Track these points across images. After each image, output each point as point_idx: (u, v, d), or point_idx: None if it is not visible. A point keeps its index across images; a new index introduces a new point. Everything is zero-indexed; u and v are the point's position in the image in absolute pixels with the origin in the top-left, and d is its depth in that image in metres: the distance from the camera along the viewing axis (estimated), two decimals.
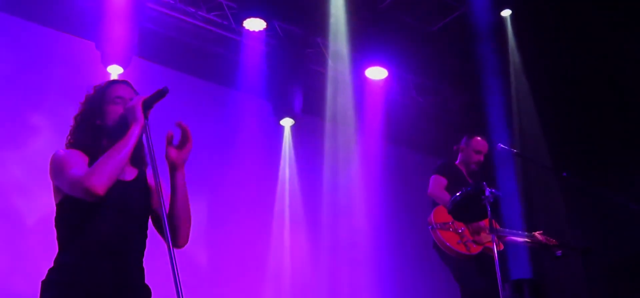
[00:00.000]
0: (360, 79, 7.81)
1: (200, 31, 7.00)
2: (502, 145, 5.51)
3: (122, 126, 2.74)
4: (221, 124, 7.33)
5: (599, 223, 7.12)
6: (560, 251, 5.35)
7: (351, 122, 7.95)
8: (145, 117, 2.74)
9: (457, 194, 4.95)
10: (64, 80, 6.29)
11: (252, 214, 7.42)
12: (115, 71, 6.17)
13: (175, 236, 2.81)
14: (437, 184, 5.65)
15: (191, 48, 7.03)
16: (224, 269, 6.94)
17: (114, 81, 3.02)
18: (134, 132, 2.70)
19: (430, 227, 5.49)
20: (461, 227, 5.44)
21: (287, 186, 7.85)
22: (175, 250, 2.50)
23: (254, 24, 6.97)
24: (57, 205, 2.82)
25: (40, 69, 6.29)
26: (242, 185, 7.31)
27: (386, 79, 7.86)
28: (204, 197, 7.01)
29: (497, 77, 7.68)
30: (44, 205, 5.85)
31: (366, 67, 7.72)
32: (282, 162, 7.88)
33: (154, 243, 2.91)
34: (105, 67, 6.17)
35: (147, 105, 2.76)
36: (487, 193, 4.72)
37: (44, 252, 5.58)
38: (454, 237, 5.43)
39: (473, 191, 4.82)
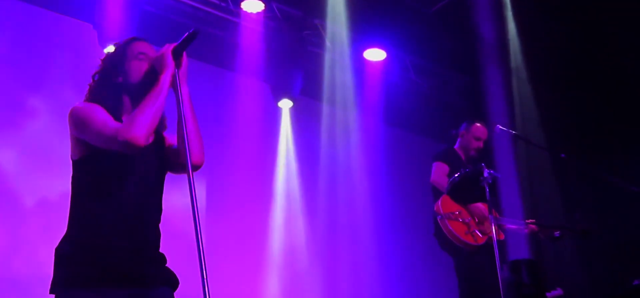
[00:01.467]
0: (359, 61, 7.79)
1: (198, 13, 6.95)
2: (500, 127, 5.49)
3: (148, 80, 2.68)
4: (219, 105, 7.31)
5: (598, 206, 7.12)
6: (558, 232, 5.36)
7: (349, 103, 7.93)
8: (177, 66, 2.69)
9: (456, 175, 4.96)
10: (62, 62, 6.28)
11: (250, 196, 7.42)
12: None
13: (191, 154, 2.64)
14: (439, 171, 5.62)
15: (189, 29, 6.98)
16: (223, 251, 6.94)
17: (136, 38, 2.92)
18: (166, 79, 2.65)
19: (438, 217, 5.45)
20: (467, 217, 5.42)
21: (285, 168, 7.86)
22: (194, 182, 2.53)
23: (252, 6, 6.93)
24: (77, 162, 2.71)
25: (38, 50, 6.26)
26: (240, 167, 7.30)
27: (384, 60, 7.84)
28: (202, 178, 7.00)
29: (496, 58, 7.66)
30: (42, 187, 5.88)
31: (365, 49, 7.69)
32: (280, 143, 7.88)
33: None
34: (103, 48, 6.14)
35: (177, 52, 2.71)
36: (485, 174, 4.73)
37: (43, 235, 5.60)
38: (462, 227, 5.40)
39: (472, 173, 4.83)
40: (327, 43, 7.69)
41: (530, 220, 5.54)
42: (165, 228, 2.93)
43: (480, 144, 5.79)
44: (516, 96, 7.83)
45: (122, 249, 2.61)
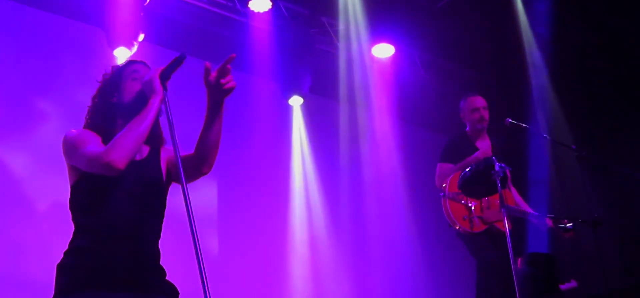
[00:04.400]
0: (367, 57, 7.77)
1: (206, 13, 6.96)
2: (510, 120, 5.47)
3: (139, 102, 2.71)
4: (229, 105, 7.31)
5: (615, 196, 7.06)
6: (571, 223, 5.34)
7: (359, 100, 7.93)
8: (164, 88, 2.71)
9: (467, 170, 4.94)
10: (71, 67, 6.30)
11: (266, 194, 7.43)
12: (122, 54, 6.15)
13: (203, 164, 2.87)
14: (441, 174, 5.65)
15: (197, 30, 7.00)
16: (237, 254, 6.94)
17: (132, 60, 2.97)
18: (154, 104, 2.67)
19: (441, 194, 5.47)
20: (473, 202, 5.42)
21: (301, 163, 7.87)
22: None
23: (260, 5, 6.93)
24: (72, 186, 2.79)
25: (48, 55, 6.29)
26: (254, 166, 7.34)
27: (393, 56, 7.82)
28: (214, 180, 7.00)
29: (507, 50, 7.62)
30: (54, 190, 5.89)
31: (373, 45, 7.67)
32: (294, 140, 7.90)
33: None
34: (112, 51, 6.17)
35: (165, 75, 2.73)
36: (496, 168, 4.71)
37: (57, 238, 5.62)
38: (462, 211, 5.41)
39: (482, 166, 4.81)
40: (335, 40, 7.69)
41: (548, 217, 5.54)
42: (174, 233, 2.94)
43: (479, 114, 5.74)
44: (535, 88, 7.75)
45: (120, 256, 2.64)
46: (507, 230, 4.60)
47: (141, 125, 2.63)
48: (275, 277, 7.29)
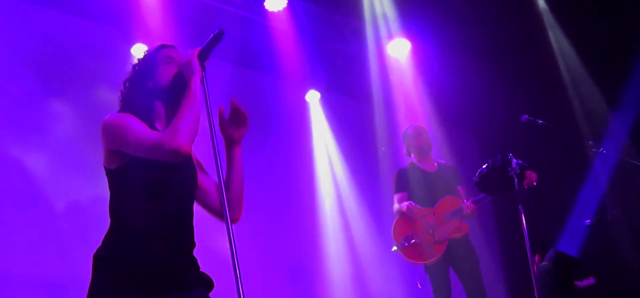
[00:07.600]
0: (382, 55, 7.76)
1: (220, 13, 6.96)
2: (527, 117, 5.44)
3: (178, 84, 2.69)
4: (246, 105, 7.31)
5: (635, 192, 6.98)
6: (588, 220, 5.32)
7: (372, 97, 7.92)
8: (203, 69, 2.69)
9: (484, 166, 4.91)
10: (87, 67, 6.32)
11: (285, 192, 7.45)
12: (138, 52, 6.16)
13: (232, 211, 2.78)
14: (400, 202, 5.85)
15: (211, 30, 6.98)
16: (253, 257, 6.94)
17: (163, 45, 2.93)
18: (196, 84, 2.64)
19: (392, 249, 5.72)
20: (417, 237, 5.58)
21: (324, 160, 7.92)
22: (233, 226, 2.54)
23: (274, 4, 6.94)
24: (114, 171, 2.68)
25: (63, 56, 6.31)
26: (273, 163, 7.34)
27: (409, 53, 7.80)
28: None
29: (526, 46, 7.56)
30: (71, 190, 5.93)
31: (388, 42, 7.66)
32: (314, 137, 7.93)
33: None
34: (127, 50, 6.20)
35: (204, 55, 2.71)
36: (513, 164, 4.68)
37: (74, 237, 5.64)
38: (414, 251, 5.62)
39: (500, 163, 4.78)
40: (350, 38, 7.68)
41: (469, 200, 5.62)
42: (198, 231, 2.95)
43: (424, 137, 6.04)
44: (566, 76, 7.69)
45: (161, 255, 2.61)
46: (526, 235, 4.58)
47: (193, 108, 2.60)
48: (300, 282, 7.28)
